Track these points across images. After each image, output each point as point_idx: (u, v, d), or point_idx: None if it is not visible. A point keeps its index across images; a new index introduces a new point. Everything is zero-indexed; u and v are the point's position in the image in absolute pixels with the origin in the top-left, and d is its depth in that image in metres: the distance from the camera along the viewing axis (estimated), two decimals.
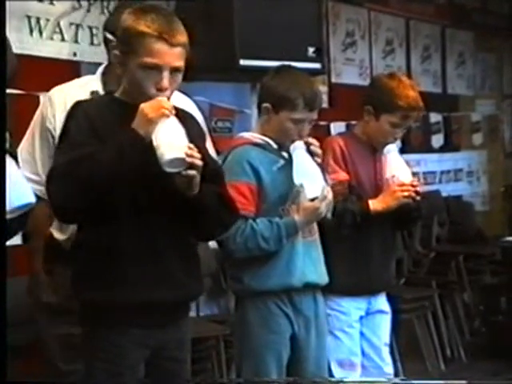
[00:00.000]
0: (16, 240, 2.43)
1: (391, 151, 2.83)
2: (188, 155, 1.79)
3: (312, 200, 2.36)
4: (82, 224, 1.93)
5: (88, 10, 3.56)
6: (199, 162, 1.82)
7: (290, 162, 2.45)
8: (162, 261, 1.92)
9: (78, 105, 1.95)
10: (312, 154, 2.43)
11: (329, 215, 2.50)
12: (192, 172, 1.82)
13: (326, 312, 2.59)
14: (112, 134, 1.85)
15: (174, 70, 1.88)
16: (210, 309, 3.97)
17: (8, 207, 1.44)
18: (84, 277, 1.91)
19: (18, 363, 2.01)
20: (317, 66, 3.54)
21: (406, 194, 2.73)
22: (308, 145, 2.42)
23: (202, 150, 1.87)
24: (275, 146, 2.46)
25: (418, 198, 2.77)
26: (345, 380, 2.63)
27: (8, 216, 1.47)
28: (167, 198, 1.92)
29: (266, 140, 2.46)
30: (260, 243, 2.35)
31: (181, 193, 1.89)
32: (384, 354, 2.89)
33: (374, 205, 2.75)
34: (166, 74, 1.87)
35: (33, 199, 1.48)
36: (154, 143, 1.82)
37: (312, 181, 2.38)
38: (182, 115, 1.91)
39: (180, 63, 1.89)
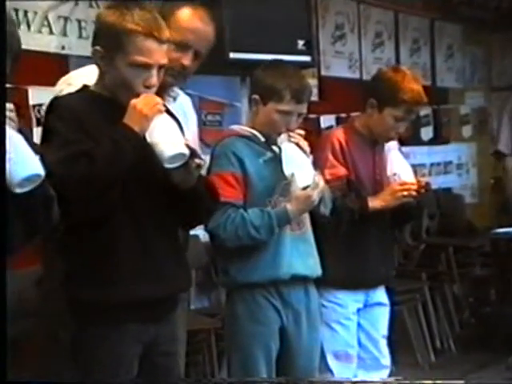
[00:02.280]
0: None
1: (393, 149, 2.83)
2: (189, 149, 1.82)
3: (304, 189, 2.36)
4: (75, 221, 1.89)
5: (76, 3, 3.54)
6: (201, 154, 1.86)
7: (277, 155, 2.46)
8: (152, 255, 1.92)
9: (58, 100, 1.93)
10: (298, 145, 2.43)
11: (327, 212, 2.51)
12: (200, 161, 1.86)
13: (319, 305, 2.59)
14: (99, 130, 1.84)
15: (160, 68, 1.89)
16: (201, 302, 3.97)
17: (15, 179, 1.44)
18: (76, 275, 1.89)
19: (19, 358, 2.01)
20: (306, 58, 3.54)
21: (406, 193, 2.73)
22: (295, 141, 2.42)
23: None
24: (263, 138, 2.47)
25: (421, 191, 2.77)
26: (341, 380, 2.64)
27: (17, 190, 1.46)
28: (158, 192, 1.92)
29: (253, 132, 2.47)
30: (250, 232, 2.36)
31: (174, 186, 1.89)
32: (381, 346, 2.90)
33: (373, 202, 2.75)
34: (154, 72, 1.87)
35: (41, 171, 1.48)
36: (150, 140, 1.82)
37: (303, 170, 2.38)
38: (169, 113, 1.92)
39: (166, 60, 1.89)
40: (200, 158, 1.89)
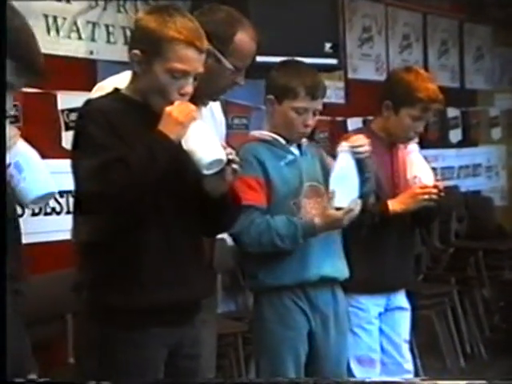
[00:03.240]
0: (62, 235, 2.44)
1: (413, 151, 2.81)
2: (227, 154, 1.83)
3: (338, 208, 2.35)
4: (108, 227, 1.89)
5: (104, 9, 3.58)
6: (237, 159, 1.87)
7: (299, 157, 2.46)
8: (177, 260, 1.92)
9: (91, 103, 1.94)
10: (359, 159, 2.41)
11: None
12: (236, 166, 1.87)
13: (347, 309, 2.58)
14: (131, 135, 1.84)
15: (196, 76, 1.90)
16: (228, 306, 3.97)
17: (29, 198, 1.45)
18: (102, 280, 1.89)
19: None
20: (333, 61, 3.54)
21: (427, 196, 2.72)
22: (353, 147, 2.41)
23: None
24: (283, 141, 2.47)
25: (441, 194, 2.75)
26: (367, 380, 2.62)
27: (30, 206, 1.48)
28: (186, 199, 1.92)
29: (274, 136, 2.48)
30: (274, 240, 2.36)
31: (204, 192, 1.90)
32: (404, 350, 2.87)
33: (394, 206, 2.73)
34: (191, 80, 1.89)
35: (55, 188, 1.49)
36: (186, 147, 1.83)
37: (344, 190, 2.37)
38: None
39: (202, 69, 1.91)
40: (236, 163, 1.89)
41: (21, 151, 1.47)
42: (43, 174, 1.48)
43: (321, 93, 2.46)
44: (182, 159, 1.85)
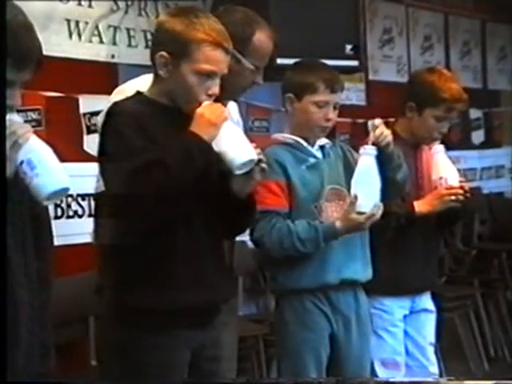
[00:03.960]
0: (84, 238, 2.45)
1: (439, 151, 2.79)
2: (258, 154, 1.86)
3: (359, 213, 2.34)
4: (139, 229, 1.89)
5: (126, 12, 3.59)
6: (265, 158, 1.91)
7: (321, 160, 2.46)
8: (201, 262, 1.92)
9: (119, 106, 1.93)
10: (381, 160, 2.39)
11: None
12: (264, 165, 1.91)
13: (369, 311, 2.57)
14: (161, 136, 1.84)
15: (222, 77, 1.91)
16: (249, 308, 3.97)
17: (44, 194, 1.46)
18: (128, 282, 1.90)
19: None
20: (354, 63, 3.53)
21: (453, 197, 2.70)
22: (378, 145, 2.38)
23: None
24: (305, 144, 2.47)
25: (467, 195, 2.73)
26: (390, 380, 2.61)
27: (45, 203, 1.49)
28: (212, 200, 1.93)
29: (295, 139, 2.47)
30: (296, 244, 2.35)
31: (230, 193, 1.91)
32: (429, 353, 2.86)
33: (420, 207, 2.72)
34: (217, 81, 1.90)
35: (69, 184, 1.50)
36: (218, 148, 1.84)
37: (367, 195, 2.35)
38: None
39: (227, 69, 1.93)
40: (264, 162, 1.92)
41: (33, 148, 1.46)
42: (56, 170, 1.48)
43: (339, 86, 2.46)
44: (211, 160, 1.86)
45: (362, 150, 2.41)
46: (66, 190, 1.50)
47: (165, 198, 1.79)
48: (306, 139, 2.47)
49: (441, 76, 2.79)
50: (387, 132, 2.44)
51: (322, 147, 2.50)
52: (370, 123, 2.45)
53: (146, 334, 1.88)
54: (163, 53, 1.90)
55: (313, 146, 2.48)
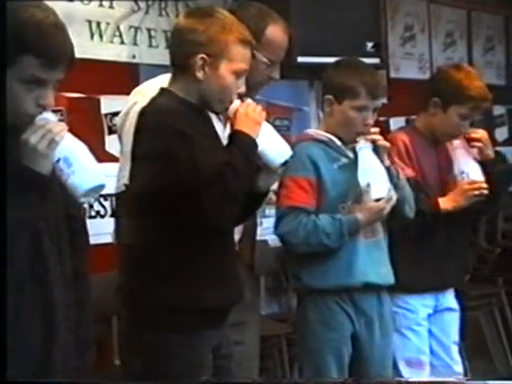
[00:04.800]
0: (106, 238, 2.48)
1: (459, 147, 2.77)
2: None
3: (377, 200, 2.33)
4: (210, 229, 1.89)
5: (146, 12, 3.61)
6: None
7: (353, 161, 2.44)
8: (224, 261, 1.93)
9: (160, 106, 1.91)
10: (378, 152, 2.41)
11: (412, 214, 2.48)
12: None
13: (391, 312, 2.56)
14: (201, 137, 1.83)
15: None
16: (272, 307, 3.97)
17: (81, 191, 1.48)
18: (153, 280, 1.90)
19: None
20: (375, 61, 3.50)
21: (477, 192, 2.67)
22: (374, 142, 2.40)
23: None
24: (339, 142, 2.45)
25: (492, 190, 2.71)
26: (412, 380, 2.59)
27: (82, 200, 1.51)
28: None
29: (329, 137, 2.45)
30: (322, 239, 2.34)
31: (256, 188, 1.92)
32: (453, 352, 2.84)
33: (444, 203, 2.70)
34: (244, 79, 1.90)
35: (105, 181, 1.51)
36: (262, 146, 1.86)
37: (378, 181, 2.37)
38: None
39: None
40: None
41: (68, 145, 1.48)
42: (92, 167, 1.50)
43: (381, 91, 2.45)
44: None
45: (358, 146, 2.41)
46: (102, 186, 1.52)
47: (237, 200, 1.80)
48: (339, 138, 2.46)
49: (468, 74, 2.77)
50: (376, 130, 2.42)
51: (353, 148, 2.48)
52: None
53: (169, 334, 1.88)
54: (203, 55, 1.89)
55: (346, 145, 2.46)
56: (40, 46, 1.44)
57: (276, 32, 2.27)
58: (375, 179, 2.36)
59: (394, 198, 2.37)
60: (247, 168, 1.82)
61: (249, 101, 1.93)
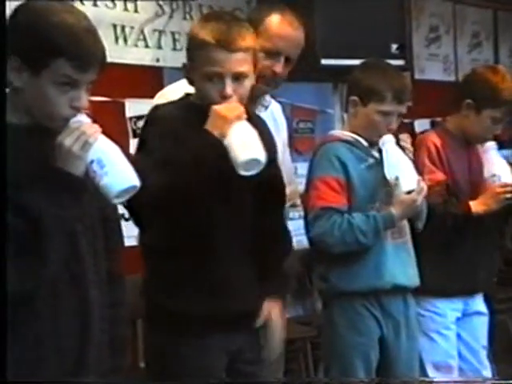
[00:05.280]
0: (131, 241, 2.49)
1: (491, 149, 2.74)
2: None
3: (408, 193, 2.32)
4: (162, 230, 1.91)
5: (171, 16, 3.63)
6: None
7: (379, 161, 2.42)
8: (236, 267, 1.92)
9: (156, 109, 1.96)
10: (402, 148, 2.40)
11: (420, 225, 2.46)
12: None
13: (417, 314, 2.53)
14: (188, 137, 1.84)
15: (237, 76, 1.85)
16: (296, 310, 3.96)
17: (113, 192, 1.49)
18: (162, 285, 1.91)
19: None
20: (400, 62, 3.48)
21: (509, 195, 2.64)
22: (397, 138, 2.39)
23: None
24: (365, 143, 2.44)
25: None
26: (436, 380, 2.57)
27: (115, 201, 1.53)
28: (244, 201, 1.92)
29: (355, 137, 2.43)
30: (358, 237, 2.32)
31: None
32: (482, 356, 2.80)
33: (476, 207, 2.66)
34: (228, 82, 1.84)
35: (137, 182, 1.52)
36: (228, 146, 1.80)
37: (407, 173, 2.34)
38: (255, 121, 1.92)
39: (243, 68, 1.86)
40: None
41: (102, 147, 1.50)
42: (125, 168, 1.51)
43: (407, 96, 2.41)
44: (225, 157, 1.81)
45: (381, 142, 2.39)
46: (135, 187, 1.52)
47: (173, 196, 1.77)
48: (365, 139, 2.44)
49: (504, 77, 2.72)
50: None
51: (379, 148, 2.46)
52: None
53: (182, 337, 1.88)
54: (185, 61, 1.92)
55: (372, 146, 2.45)
56: (72, 49, 1.47)
57: (277, 21, 2.22)
58: (403, 172, 2.34)
59: (425, 188, 2.35)
60: (193, 163, 1.78)
61: (232, 100, 1.87)
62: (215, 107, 1.83)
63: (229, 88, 1.84)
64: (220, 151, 1.79)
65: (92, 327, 1.55)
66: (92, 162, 1.49)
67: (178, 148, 1.82)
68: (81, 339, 1.54)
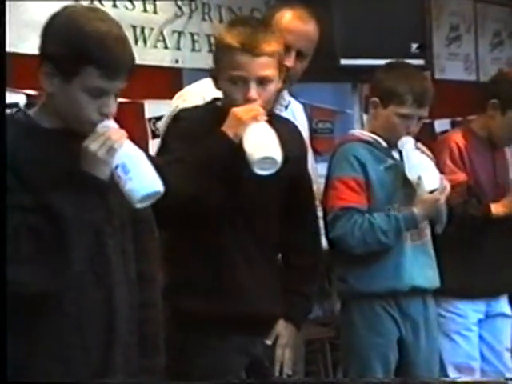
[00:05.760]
0: None
1: None
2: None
3: (431, 192, 2.31)
4: (179, 230, 1.92)
5: (190, 17, 3.63)
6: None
7: (399, 162, 2.40)
8: (255, 269, 1.92)
9: (180, 112, 1.99)
10: (421, 149, 2.40)
11: (439, 229, 2.45)
12: None
13: (437, 316, 2.51)
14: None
15: (262, 80, 1.87)
16: (315, 311, 3.95)
17: (137, 196, 1.51)
18: (183, 285, 1.92)
19: None
20: (420, 62, 3.45)
21: None
22: (416, 140, 2.39)
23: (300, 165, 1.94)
24: (384, 144, 2.42)
25: None
26: (458, 380, 2.55)
27: (138, 205, 1.55)
28: (264, 202, 1.92)
29: (375, 138, 2.42)
30: (379, 237, 2.30)
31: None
32: (506, 359, 2.78)
33: (496, 209, 2.65)
34: (253, 85, 1.86)
35: (161, 187, 1.53)
36: (244, 146, 1.82)
37: (429, 173, 2.33)
38: (279, 124, 1.92)
39: (267, 72, 1.88)
40: None
41: (127, 152, 1.52)
42: (149, 174, 1.53)
43: (428, 100, 2.39)
44: (240, 157, 1.83)
45: (400, 143, 2.37)
46: (158, 193, 1.54)
47: (188, 194, 1.79)
48: (385, 140, 2.43)
49: None
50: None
51: (399, 149, 2.45)
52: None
53: (200, 338, 1.89)
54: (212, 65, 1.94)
55: (391, 147, 2.43)
56: (102, 58, 1.50)
57: (286, 16, 2.24)
58: (425, 171, 2.33)
59: (448, 187, 2.34)
60: (205, 162, 1.81)
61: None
62: (234, 109, 1.85)
63: (253, 91, 1.86)
64: (231, 151, 1.81)
65: (118, 327, 1.57)
66: (117, 166, 1.51)
67: (197, 149, 1.84)
68: (106, 339, 1.55)
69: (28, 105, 1.59)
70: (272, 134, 1.83)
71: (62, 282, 1.48)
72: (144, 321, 1.64)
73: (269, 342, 1.97)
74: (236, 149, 1.81)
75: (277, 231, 1.97)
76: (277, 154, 1.79)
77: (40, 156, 1.51)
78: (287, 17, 2.26)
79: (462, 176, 2.66)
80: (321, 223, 2.41)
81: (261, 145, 1.80)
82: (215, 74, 1.93)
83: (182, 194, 1.78)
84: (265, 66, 1.87)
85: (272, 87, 1.90)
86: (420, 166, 2.34)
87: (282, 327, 2.00)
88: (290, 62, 2.22)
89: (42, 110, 1.57)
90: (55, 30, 1.54)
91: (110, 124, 1.54)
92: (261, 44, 1.87)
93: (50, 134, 1.55)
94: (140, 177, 1.51)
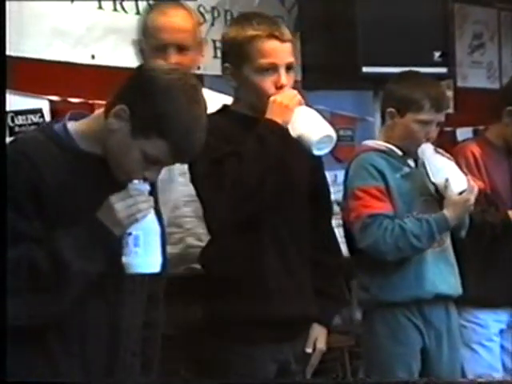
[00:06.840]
0: None
1: None
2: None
3: (459, 194, 2.30)
4: (228, 222, 1.90)
5: (212, 24, 3.64)
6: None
7: (414, 170, 2.40)
8: (292, 274, 1.92)
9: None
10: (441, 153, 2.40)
11: (463, 234, 2.44)
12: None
13: (459, 324, 2.51)
14: (232, 145, 1.85)
15: (288, 67, 1.89)
16: (334, 319, 3.93)
17: (134, 271, 1.51)
18: (216, 290, 1.91)
19: None
20: (443, 70, 3.44)
21: None
22: (436, 145, 2.39)
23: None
24: (400, 153, 2.41)
25: None
26: (478, 380, 2.53)
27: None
28: (303, 201, 1.93)
29: (390, 147, 2.42)
30: (412, 241, 2.29)
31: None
32: None
33: None
34: (282, 71, 1.88)
35: (158, 269, 1.55)
36: (294, 132, 1.83)
37: (455, 175, 2.34)
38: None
39: (292, 59, 1.91)
40: None
41: (145, 226, 1.48)
42: (155, 252, 1.51)
43: (445, 104, 2.41)
44: (295, 150, 1.84)
45: (420, 150, 2.37)
46: (154, 273, 1.53)
47: (246, 186, 1.78)
48: (400, 148, 2.42)
49: None
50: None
51: (414, 158, 2.45)
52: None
53: (230, 345, 1.88)
54: (226, 64, 1.96)
55: (407, 155, 2.42)
56: (175, 139, 1.48)
57: (151, 17, 2.28)
58: (452, 173, 2.34)
59: (476, 187, 2.33)
60: (260, 151, 1.79)
61: (286, 89, 1.90)
62: (273, 97, 1.84)
63: (284, 77, 1.87)
64: (285, 138, 1.81)
65: (121, 349, 1.55)
66: (130, 234, 1.48)
67: (250, 141, 1.81)
68: (110, 362, 1.54)
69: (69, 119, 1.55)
70: (318, 115, 1.85)
71: (52, 316, 1.45)
72: (145, 340, 1.63)
73: (309, 350, 1.97)
74: (287, 134, 1.81)
75: (308, 230, 1.97)
76: (332, 131, 1.84)
77: (71, 180, 1.47)
78: (152, 17, 2.28)
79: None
80: (340, 231, 2.42)
81: (315, 125, 1.82)
82: (232, 73, 1.91)
83: (241, 186, 1.77)
84: (290, 53, 1.90)
85: (293, 76, 1.92)
86: (445, 168, 2.34)
87: (318, 332, 1.98)
88: (174, 58, 2.20)
89: (85, 134, 1.53)
90: (138, 89, 1.49)
91: (144, 188, 1.50)
92: (284, 30, 1.90)
93: (88, 158, 1.51)
94: (145, 256, 1.48)
